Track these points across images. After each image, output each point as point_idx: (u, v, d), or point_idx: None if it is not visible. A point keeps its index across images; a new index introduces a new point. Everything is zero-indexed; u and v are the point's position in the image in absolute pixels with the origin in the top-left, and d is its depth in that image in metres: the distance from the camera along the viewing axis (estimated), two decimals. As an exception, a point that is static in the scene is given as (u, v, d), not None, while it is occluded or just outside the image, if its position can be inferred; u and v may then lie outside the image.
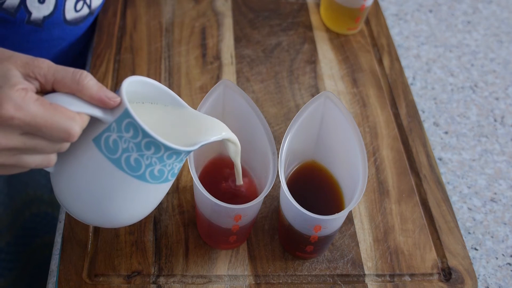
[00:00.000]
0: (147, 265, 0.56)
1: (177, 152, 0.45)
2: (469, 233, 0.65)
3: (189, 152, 0.46)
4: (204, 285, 0.55)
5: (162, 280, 0.55)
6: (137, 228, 0.59)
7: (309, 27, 0.83)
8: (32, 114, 0.39)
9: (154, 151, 0.43)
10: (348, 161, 0.55)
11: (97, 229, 0.58)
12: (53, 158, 0.43)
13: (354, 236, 0.61)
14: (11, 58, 0.41)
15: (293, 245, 0.57)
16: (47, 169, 0.46)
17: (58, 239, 0.59)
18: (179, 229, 0.59)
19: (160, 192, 0.48)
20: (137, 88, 0.46)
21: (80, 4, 0.70)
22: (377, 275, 0.58)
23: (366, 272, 0.58)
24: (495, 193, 0.70)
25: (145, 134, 0.42)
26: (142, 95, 0.47)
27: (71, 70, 0.42)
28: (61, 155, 0.45)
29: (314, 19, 0.85)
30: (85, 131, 0.43)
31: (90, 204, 0.46)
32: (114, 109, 0.42)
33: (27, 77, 0.41)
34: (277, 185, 0.60)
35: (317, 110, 0.56)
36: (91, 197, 0.45)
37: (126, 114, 0.42)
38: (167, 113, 0.49)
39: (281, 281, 0.56)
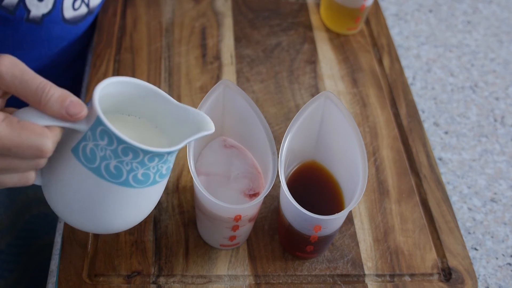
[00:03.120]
0: (147, 265, 0.56)
1: (158, 155, 0.43)
2: (469, 233, 0.65)
3: (170, 152, 0.44)
4: (204, 285, 0.55)
5: (162, 280, 0.55)
6: (137, 228, 0.58)
7: (309, 27, 0.83)
8: (1, 134, 0.39)
9: (132, 156, 0.42)
10: (348, 161, 0.55)
11: (97, 229, 0.58)
12: (31, 175, 0.42)
13: (354, 236, 0.61)
14: None
15: (293, 245, 0.57)
16: (36, 183, 0.45)
17: (58, 239, 0.59)
18: (179, 229, 0.59)
19: (151, 195, 0.47)
20: (116, 89, 0.44)
21: (78, 2, 0.70)
22: (377, 275, 0.58)
23: (366, 272, 0.58)
24: (495, 193, 0.70)
25: (120, 141, 0.41)
26: (124, 98, 0.46)
27: (35, 84, 0.40)
28: (46, 168, 0.44)
29: (314, 19, 0.85)
30: (64, 141, 0.43)
31: (83, 214, 0.45)
32: (88, 117, 0.41)
33: None
34: (277, 185, 0.60)
35: (317, 110, 0.56)
36: (82, 207, 0.45)
37: (99, 122, 0.41)
38: (158, 110, 0.47)
39: (281, 281, 0.56)
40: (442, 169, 0.71)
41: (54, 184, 0.45)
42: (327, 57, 0.79)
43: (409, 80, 0.81)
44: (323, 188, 0.60)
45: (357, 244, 0.60)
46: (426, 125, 0.76)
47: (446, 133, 0.76)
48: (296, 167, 0.61)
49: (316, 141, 0.59)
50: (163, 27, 0.79)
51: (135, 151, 0.42)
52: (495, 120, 0.78)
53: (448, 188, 0.69)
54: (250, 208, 0.51)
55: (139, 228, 0.59)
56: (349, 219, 0.62)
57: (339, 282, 0.57)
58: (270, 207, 0.62)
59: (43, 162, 0.42)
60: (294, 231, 0.54)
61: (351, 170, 0.54)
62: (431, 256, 0.60)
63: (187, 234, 0.59)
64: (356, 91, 0.75)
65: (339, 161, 0.58)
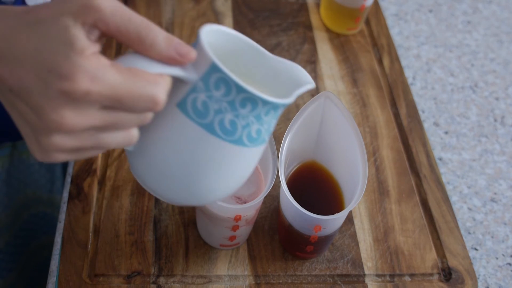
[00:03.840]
0: (147, 265, 0.56)
1: (275, 106, 0.38)
2: (469, 233, 0.65)
3: (285, 104, 0.39)
4: (204, 285, 0.55)
5: (162, 280, 0.55)
6: (137, 228, 0.58)
7: (309, 27, 0.83)
8: (111, 85, 0.32)
9: (251, 108, 0.37)
10: (348, 161, 0.55)
11: (97, 229, 0.58)
12: (135, 134, 0.36)
13: (354, 236, 0.61)
14: (64, 8, 0.33)
15: (293, 245, 0.57)
16: (127, 147, 0.40)
17: (58, 239, 0.59)
18: (179, 229, 0.59)
19: (257, 156, 0.41)
20: (214, 39, 0.39)
21: None
22: (377, 275, 0.58)
23: (366, 272, 0.58)
24: (495, 193, 0.70)
25: (240, 90, 0.36)
26: (216, 47, 0.40)
27: (136, 20, 0.34)
28: (140, 129, 0.38)
29: (314, 19, 0.85)
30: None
31: (182, 180, 0.39)
32: (196, 65, 0.36)
33: (84, 25, 0.33)
34: (277, 185, 0.60)
35: (317, 110, 0.56)
36: (182, 171, 0.39)
37: (214, 68, 0.35)
38: (250, 66, 0.42)
39: (281, 281, 0.56)
40: (442, 169, 0.71)
41: (149, 146, 0.39)
42: (327, 57, 0.79)
43: (409, 80, 0.81)
44: (323, 188, 0.60)
45: (357, 244, 0.60)
46: (426, 125, 0.76)
47: (446, 133, 0.76)
48: (296, 167, 0.61)
49: (316, 141, 0.59)
50: (163, 27, 0.79)
51: (255, 102, 0.37)
52: (495, 120, 0.78)
53: (448, 188, 0.69)
54: (250, 208, 0.51)
55: (139, 228, 0.59)
56: (349, 219, 0.62)
57: (339, 282, 0.57)
58: (270, 207, 0.62)
59: (150, 117, 0.36)
60: (294, 231, 0.54)
61: (351, 170, 0.54)
62: (431, 256, 0.60)
63: (187, 234, 0.59)
64: (356, 91, 0.75)
65: (339, 161, 0.58)
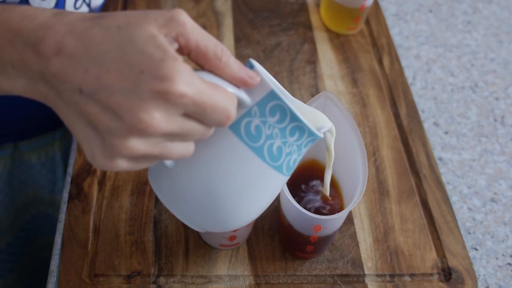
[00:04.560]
0: (147, 265, 0.56)
1: (313, 139, 0.40)
2: (469, 233, 0.65)
3: (319, 139, 0.41)
4: (204, 285, 0.55)
5: (162, 280, 0.55)
6: (137, 228, 0.59)
7: (309, 27, 0.83)
8: (201, 92, 0.33)
9: (297, 137, 0.39)
10: (348, 161, 0.55)
11: (97, 229, 0.58)
12: (193, 147, 0.37)
13: (354, 236, 0.61)
14: (147, 18, 0.33)
15: (293, 245, 0.57)
16: (167, 163, 0.40)
17: (58, 239, 0.59)
18: (179, 229, 0.59)
19: (282, 185, 0.43)
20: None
21: (79, 2, 0.70)
22: (377, 275, 0.58)
23: (366, 272, 0.58)
24: (495, 193, 0.70)
25: (294, 118, 0.37)
26: None
27: (213, 39, 0.35)
28: None
29: (314, 19, 0.85)
30: None
31: (218, 201, 0.40)
32: (253, 90, 0.37)
33: (167, 37, 0.33)
34: (277, 185, 0.60)
35: (317, 110, 0.56)
36: (222, 192, 0.39)
37: (272, 96, 0.37)
38: None
39: (281, 281, 0.56)
40: (442, 169, 0.71)
41: (198, 162, 0.39)
42: (327, 57, 0.79)
43: (409, 80, 0.81)
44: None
45: (357, 244, 0.60)
46: (426, 125, 0.76)
47: (446, 133, 0.76)
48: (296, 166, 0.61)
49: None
50: (163, 27, 0.79)
51: (302, 131, 0.38)
52: (495, 120, 0.78)
53: (448, 188, 0.69)
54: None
55: (139, 228, 0.59)
56: (349, 219, 0.62)
57: (339, 282, 0.57)
58: (270, 207, 0.62)
59: (211, 132, 0.36)
60: (294, 231, 0.54)
61: (351, 170, 0.54)
62: (431, 256, 0.60)
63: (187, 234, 0.59)
64: (356, 91, 0.75)
65: (339, 161, 0.58)
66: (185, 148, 0.36)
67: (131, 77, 0.32)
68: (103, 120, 0.32)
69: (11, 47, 0.34)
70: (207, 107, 0.33)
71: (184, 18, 0.34)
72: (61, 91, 0.33)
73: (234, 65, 0.36)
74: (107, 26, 0.33)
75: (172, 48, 0.33)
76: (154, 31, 0.33)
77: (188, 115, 0.34)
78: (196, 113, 0.34)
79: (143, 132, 0.32)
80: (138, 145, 0.33)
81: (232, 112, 0.35)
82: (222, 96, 0.34)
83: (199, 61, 0.36)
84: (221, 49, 0.36)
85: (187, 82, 0.32)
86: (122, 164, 0.34)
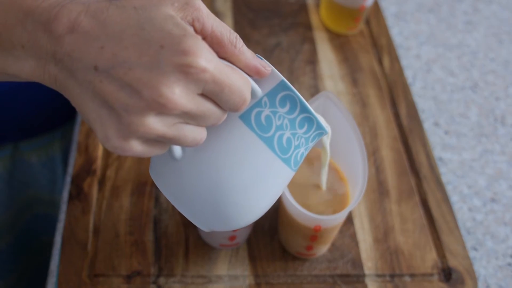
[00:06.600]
0: (147, 265, 0.56)
1: (320, 133, 0.40)
2: (469, 233, 0.65)
3: (326, 134, 0.41)
4: (204, 285, 0.55)
5: (162, 280, 0.55)
6: (137, 228, 0.59)
7: (309, 27, 0.83)
8: (221, 69, 0.33)
9: (306, 129, 0.39)
10: (348, 161, 0.55)
11: (97, 229, 0.58)
12: (205, 134, 0.36)
13: (354, 236, 0.61)
14: (164, 1, 0.33)
15: (293, 244, 0.57)
16: (176, 154, 0.38)
17: (58, 239, 0.59)
18: (179, 229, 0.59)
19: (288, 181, 0.42)
20: None
21: None
22: (377, 275, 0.58)
23: (366, 272, 0.58)
24: (495, 193, 0.70)
25: (303, 109, 0.37)
26: None
27: (227, 27, 0.35)
28: None
29: (314, 19, 0.85)
30: None
31: (227, 193, 0.39)
32: (263, 81, 0.37)
33: (183, 20, 0.33)
34: (277, 185, 0.60)
35: (317, 110, 0.56)
36: (231, 183, 0.38)
37: (283, 86, 0.37)
38: None
39: (281, 281, 0.56)
40: (442, 169, 0.71)
41: (207, 153, 0.38)
42: (327, 57, 0.79)
43: (409, 80, 0.81)
44: (323, 188, 0.60)
45: (357, 244, 0.60)
46: (426, 125, 0.76)
47: (446, 133, 0.76)
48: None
49: (316, 141, 0.59)
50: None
51: (311, 123, 0.38)
52: (495, 120, 0.78)
53: (448, 188, 0.69)
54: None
55: (139, 228, 0.59)
56: (349, 219, 0.62)
57: (339, 282, 0.57)
58: (270, 207, 0.62)
59: (224, 118, 0.36)
60: (294, 231, 0.54)
61: (351, 170, 0.54)
62: (431, 256, 0.60)
63: (187, 234, 0.59)
64: (356, 91, 0.75)
65: (339, 161, 0.58)
66: (199, 133, 0.35)
67: (151, 52, 0.31)
68: (119, 97, 0.31)
69: (22, 27, 0.33)
70: (225, 86, 0.33)
71: (200, 4, 0.34)
72: (74, 70, 0.32)
73: (248, 53, 0.36)
74: (124, 6, 0.33)
75: (191, 28, 0.33)
76: (171, 12, 0.33)
77: (205, 96, 0.33)
78: (214, 92, 0.33)
79: (162, 107, 0.31)
80: (155, 123, 0.32)
81: (248, 96, 0.34)
82: (239, 78, 0.34)
83: (213, 47, 0.35)
84: (235, 36, 0.35)
85: (209, 58, 0.32)
86: (136, 147, 0.33)
